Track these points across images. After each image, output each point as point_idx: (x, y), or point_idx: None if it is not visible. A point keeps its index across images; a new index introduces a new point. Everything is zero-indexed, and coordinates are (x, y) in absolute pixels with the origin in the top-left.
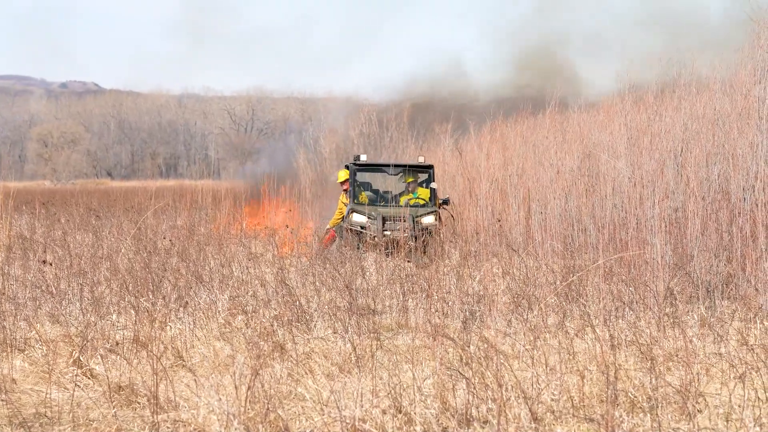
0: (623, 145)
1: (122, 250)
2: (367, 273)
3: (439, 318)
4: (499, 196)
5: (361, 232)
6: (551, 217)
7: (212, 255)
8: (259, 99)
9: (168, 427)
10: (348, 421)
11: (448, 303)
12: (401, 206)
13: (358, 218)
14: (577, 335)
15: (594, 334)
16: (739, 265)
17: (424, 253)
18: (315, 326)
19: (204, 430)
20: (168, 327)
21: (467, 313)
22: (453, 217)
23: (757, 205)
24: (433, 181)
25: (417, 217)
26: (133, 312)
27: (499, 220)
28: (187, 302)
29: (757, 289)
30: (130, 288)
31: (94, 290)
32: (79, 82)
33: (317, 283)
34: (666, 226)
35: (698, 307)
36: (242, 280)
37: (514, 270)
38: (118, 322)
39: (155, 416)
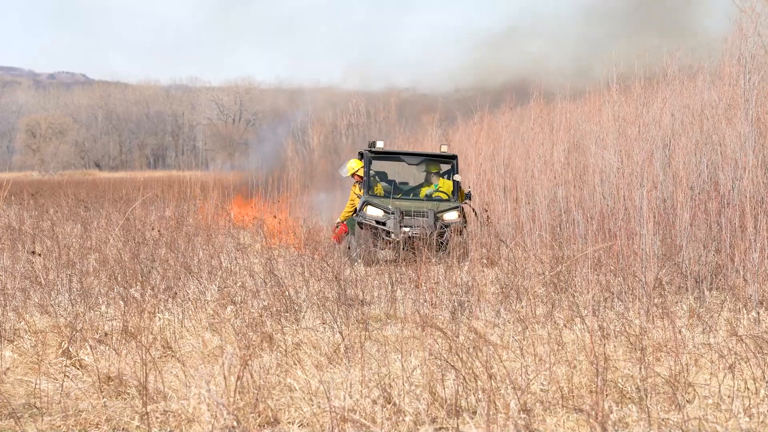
0: (611, 136)
1: (111, 241)
2: (356, 263)
3: (427, 308)
4: (487, 187)
5: (377, 228)
6: (539, 207)
7: (201, 246)
8: (246, 90)
9: (158, 417)
10: (337, 411)
11: (436, 293)
12: (421, 199)
13: (373, 212)
14: (565, 326)
15: (583, 325)
16: (728, 255)
17: (447, 253)
18: (304, 317)
19: (194, 420)
20: (157, 317)
21: (456, 303)
22: (477, 215)
23: (746, 195)
24: (457, 172)
25: (439, 212)
26: (121, 302)
27: (486, 210)
28: (175, 293)
29: (746, 280)
30: (119, 278)
31: (83, 281)
32: (68, 73)
33: (306, 274)
34: (655, 217)
35: (687, 298)
36: (231, 270)
37: (502, 260)
38: (106, 312)
39: (145, 406)
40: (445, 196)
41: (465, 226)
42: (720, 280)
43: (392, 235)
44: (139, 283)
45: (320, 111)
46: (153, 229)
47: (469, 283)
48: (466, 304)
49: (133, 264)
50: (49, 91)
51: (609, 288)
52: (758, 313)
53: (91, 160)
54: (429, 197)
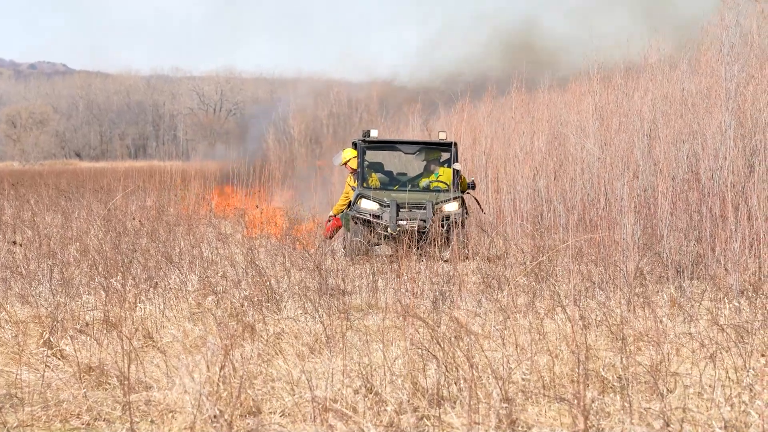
0: (592, 126)
1: (92, 231)
2: (337, 253)
3: (409, 298)
4: (468, 176)
5: (372, 222)
6: (521, 197)
7: (182, 235)
8: (227, 79)
9: (140, 407)
10: (319, 401)
11: (417, 283)
12: (420, 190)
13: (367, 205)
14: (547, 315)
15: (564, 314)
16: (709, 245)
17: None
18: (285, 306)
19: (176, 410)
20: (138, 308)
21: (437, 293)
22: (480, 206)
23: (726, 185)
24: (457, 161)
25: (438, 204)
26: (103, 293)
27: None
28: (156, 283)
29: (726, 269)
30: (100, 269)
31: (64, 271)
32: (48, 63)
33: (287, 264)
34: (636, 207)
35: (668, 287)
36: (212, 260)
37: (483, 250)
38: (88, 302)
39: (127, 396)
40: (444, 186)
41: (466, 218)
42: (701, 269)
43: (388, 230)
44: (120, 274)
45: (301, 101)
46: (134, 219)
47: (450, 273)
48: (447, 294)
49: (114, 254)
50: (29, 81)
51: (590, 278)
52: (739, 302)
53: (71, 150)
54: (428, 188)
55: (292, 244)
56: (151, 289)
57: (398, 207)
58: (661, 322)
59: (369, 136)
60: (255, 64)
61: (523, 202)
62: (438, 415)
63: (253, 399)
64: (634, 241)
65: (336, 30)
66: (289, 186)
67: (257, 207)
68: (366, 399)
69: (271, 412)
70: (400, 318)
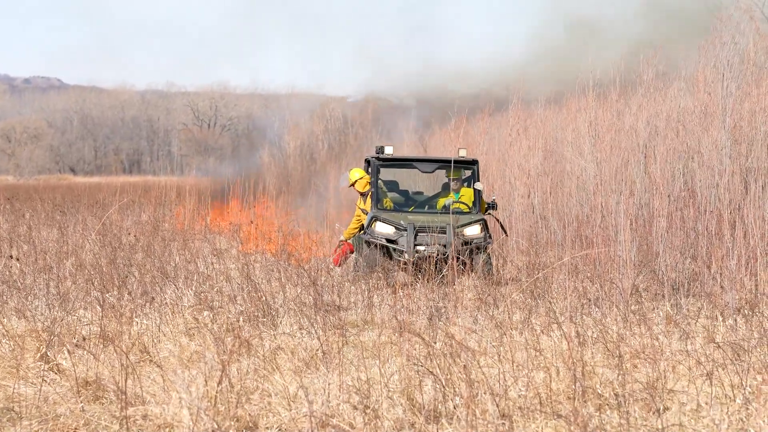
0: (588, 143)
1: (87, 246)
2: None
3: (404, 314)
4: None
5: (388, 247)
6: (516, 213)
7: (177, 251)
8: (222, 95)
9: (137, 421)
10: (316, 416)
11: (413, 299)
12: (439, 212)
13: (383, 228)
14: (543, 332)
15: (560, 331)
16: (705, 262)
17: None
18: (281, 322)
19: (173, 424)
20: (134, 322)
21: (433, 309)
22: (504, 228)
23: (722, 202)
24: (478, 180)
25: (459, 227)
26: (99, 307)
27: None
28: (153, 298)
29: (722, 287)
30: (96, 283)
31: (60, 285)
32: (43, 78)
33: (282, 279)
34: (631, 224)
35: (664, 305)
36: (207, 275)
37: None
38: (84, 317)
39: (125, 410)
40: (465, 208)
41: (489, 242)
42: (697, 287)
43: (405, 255)
44: (116, 288)
45: (296, 116)
46: (129, 233)
47: (446, 290)
48: (443, 311)
49: (109, 269)
50: (24, 95)
51: (586, 294)
52: (735, 320)
53: (66, 165)
54: (447, 209)
55: (288, 259)
56: (147, 304)
57: (416, 231)
58: (657, 339)
59: (383, 153)
60: (249, 79)
61: (519, 218)
62: (435, 431)
63: (249, 414)
64: (630, 259)
65: (331, 46)
66: (284, 201)
67: (252, 222)
68: (363, 415)
69: (267, 428)
70: (396, 334)
